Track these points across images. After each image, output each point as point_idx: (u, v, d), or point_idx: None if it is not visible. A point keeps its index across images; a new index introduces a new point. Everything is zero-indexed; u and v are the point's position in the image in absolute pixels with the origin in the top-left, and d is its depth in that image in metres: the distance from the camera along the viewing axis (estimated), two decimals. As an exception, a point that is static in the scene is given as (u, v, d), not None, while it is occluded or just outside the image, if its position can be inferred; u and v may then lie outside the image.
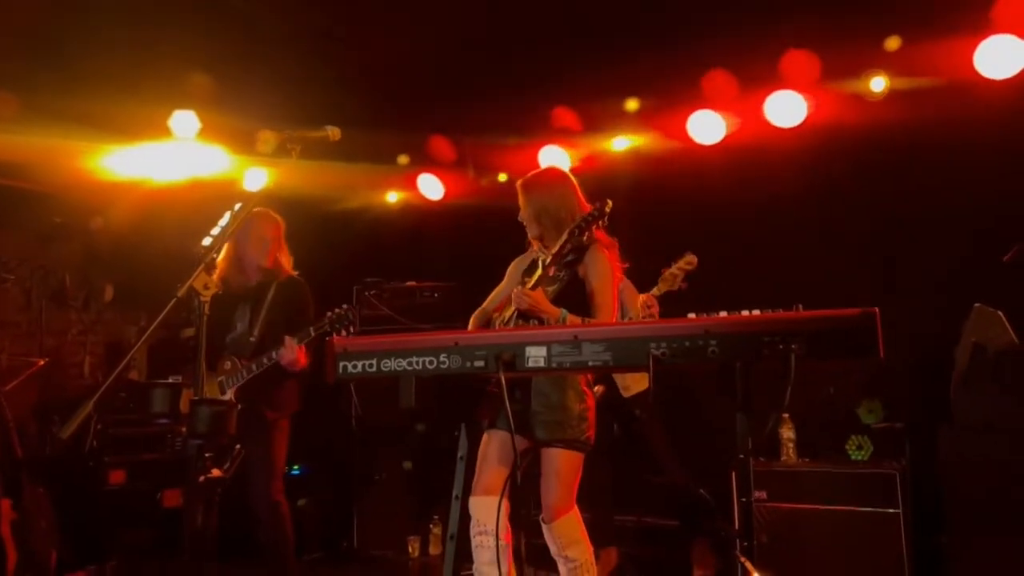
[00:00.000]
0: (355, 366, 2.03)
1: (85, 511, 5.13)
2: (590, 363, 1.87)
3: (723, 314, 1.79)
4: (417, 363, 1.99)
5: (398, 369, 2.00)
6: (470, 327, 3.19)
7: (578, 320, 2.87)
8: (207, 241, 2.43)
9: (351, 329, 3.67)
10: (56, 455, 5.48)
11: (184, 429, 2.25)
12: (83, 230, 6.01)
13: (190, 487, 2.24)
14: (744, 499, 1.78)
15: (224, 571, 4.05)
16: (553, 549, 2.98)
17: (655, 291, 4.19)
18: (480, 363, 1.94)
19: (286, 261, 4.00)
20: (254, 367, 3.73)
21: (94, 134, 4.95)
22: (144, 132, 5.21)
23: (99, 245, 6.14)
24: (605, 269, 3.04)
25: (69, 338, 6.30)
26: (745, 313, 1.78)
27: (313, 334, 3.66)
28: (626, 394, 4.39)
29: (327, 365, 2.06)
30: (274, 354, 3.66)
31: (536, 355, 1.92)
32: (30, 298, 6.12)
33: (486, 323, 3.21)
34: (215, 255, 2.34)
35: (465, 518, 2.13)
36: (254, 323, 3.86)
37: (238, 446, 2.42)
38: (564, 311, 2.87)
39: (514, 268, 3.31)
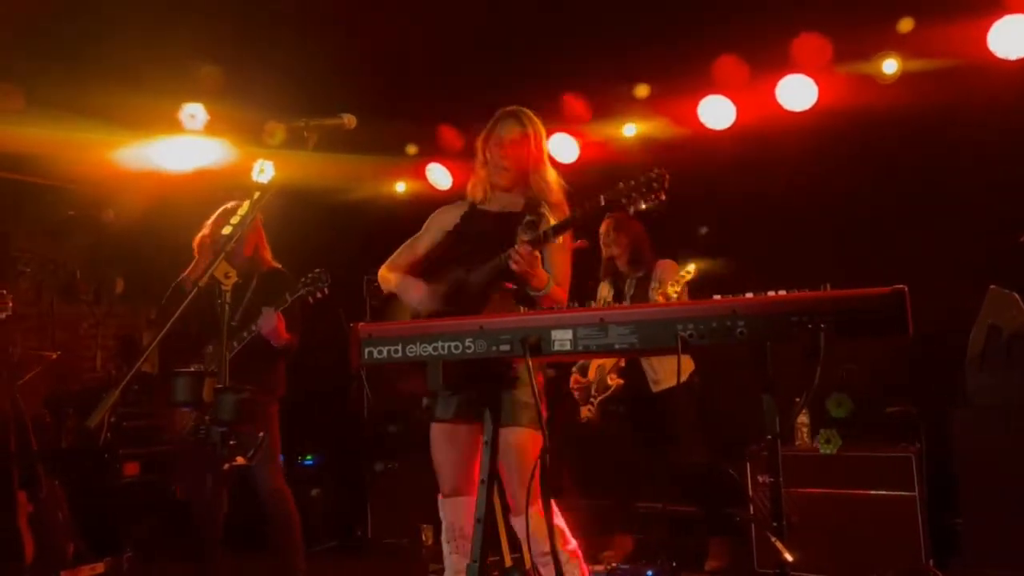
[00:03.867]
0: (380, 351, 2.02)
1: (100, 503, 5.16)
2: (616, 346, 1.86)
3: (749, 295, 1.78)
4: (443, 348, 1.98)
5: (424, 354, 1.99)
6: (386, 275, 2.92)
7: (557, 290, 2.71)
8: (227, 230, 2.43)
9: (325, 291, 3.69)
10: (71, 448, 5.50)
11: (208, 417, 2.23)
12: (94, 223, 6.02)
13: (214, 474, 2.25)
14: (774, 479, 1.78)
15: (235, 560, 4.09)
16: (532, 548, 2.66)
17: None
18: (506, 347, 1.94)
19: (266, 253, 4.01)
20: (235, 344, 3.72)
21: (104, 127, 4.94)
22: (153, 124, 5.21)
23: (109, 238, 6.14)
24: (566, 239, 2.83)
25: (80, 331, 6.32)
26: (772, 293, 1.77)
27: (289, 299, 3.68)
28: (655, 388, 4.40)
29: (351, 351, 2.06)
30: (254, 326, 3.67)
31: (562, 339, 1.91)
32: (41, 292, 6.13)
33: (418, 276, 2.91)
34: (236, 245, 2.33)
35: (489, 502, 2.11)
36: (235, 310, 3.86)
37: (261, 434, 2.44)
38: (551, 279, 2.70)
39: (437, 221, 3.01)
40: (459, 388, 2.15)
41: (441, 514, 2.84)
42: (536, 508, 2.55)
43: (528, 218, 2.69)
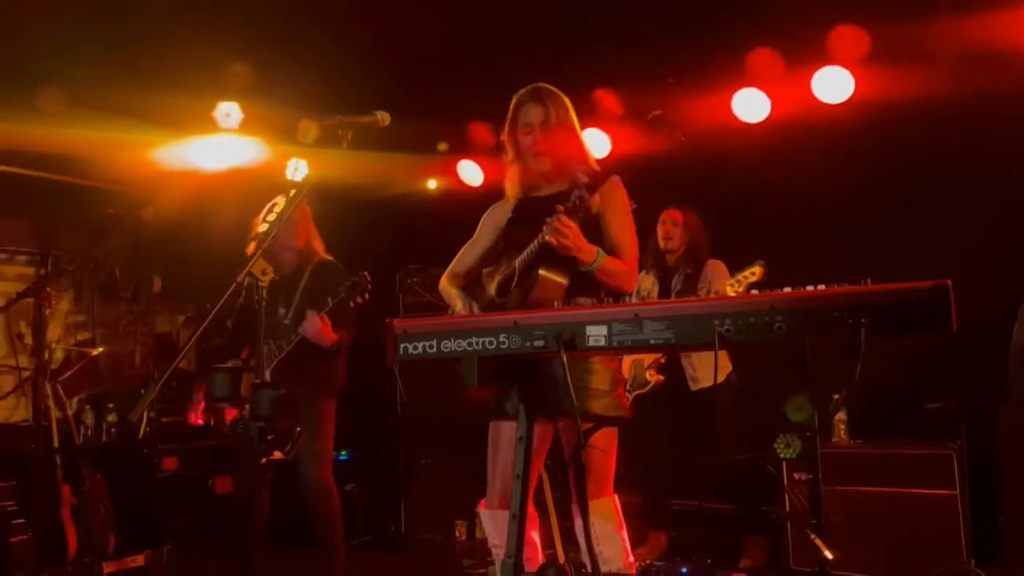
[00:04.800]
0: (415, 347, 2.03)
1: (140, 497, 5.25)
2: (652, 341, 1.85)
3: (787, 289, 1.76)
4: (477, 343, 1.98)
5: (458, 350, 2.00)
6: (445, 287, 2.85)
7: (613, 262, 2.55)
8: (263, 227, 2.45)
9: (366, 296, 3.68)
10: (112, 443, 5.62)
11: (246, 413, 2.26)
12: (134, 222, 6.13)
13: (253, 469, 2.28)
14: (812, 477, 1.76)
15: (275, 555, 4.13)
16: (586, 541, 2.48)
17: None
18: (540, 342, 1.93)
19: (318, 244, 4.03)
20: (284, 345, 3.76)
21: (142, 127, 5.02)
22: (190, 124, 5.28)
23: (148, 237, 6.25)
24: (625, 203, 2.68)
25: (120, 329, 6.43)
26: (811, 288, 1.75)
27: (331, 303, 3.67)
28: (694, 387, 4.37)
29: (387, 347, 2.07)
30: (300, 329, 3.70)
31: (596, 334, 1.91)
32: (82, 290, 6.26)
33: (471, 283, 2.84)
34: (275, 240, 2.36)
35: (523, 498, 2.10)
36: (289, 306, 3.90)
37: (298, 429, 2.47)
38: (600, 251, 2.53)
39: (491, 219, 2.90)
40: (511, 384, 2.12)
41: (486, 527, 2.69)
42: (603, 501, 2.52)
43: (576, 192, 2.51)
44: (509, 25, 4.68)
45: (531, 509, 2.60)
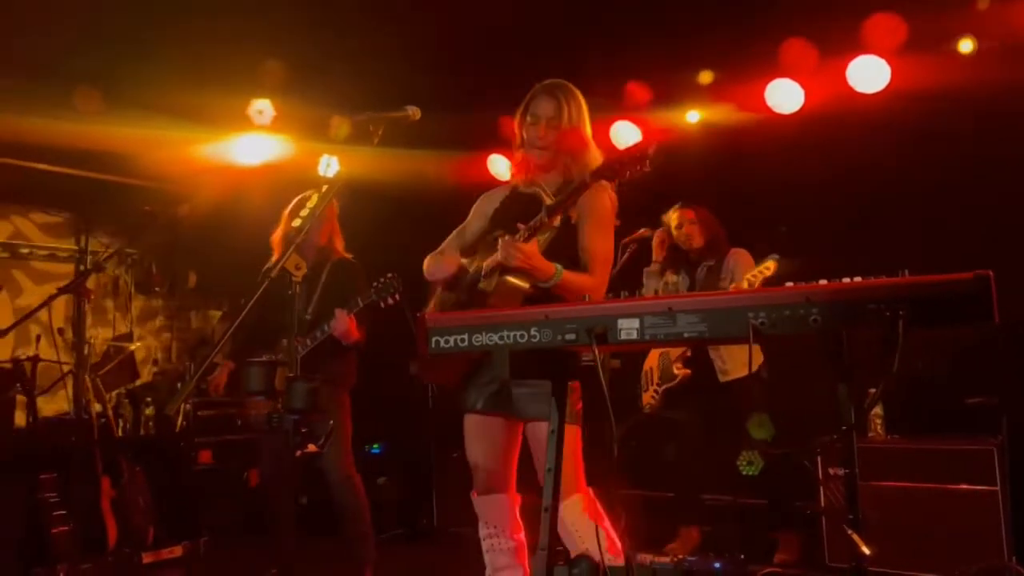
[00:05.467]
0: (447, 341, 2.03)
1: (177, 489, 5.34)
2: (685, 335, 1.83)
3: (823, 282, 1.73)
4: (508, 337, 1.98)
5: (489, 343, 1.99)
6: (427, 267, 2.86)
7: (575, 278, 2.54)
8: (297, 223, 2.47)
9: (396, 297, 3.73)
10: (149, 436, 5.71)
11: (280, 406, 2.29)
12: (170, 219, 6.22)
13: (287, 462, 2.30)
14: (849, 471, 1.73)
15: (306, 546, 4.18)
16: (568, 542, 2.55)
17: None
18: (571, 336, 1.92)
19: (339, 243, 4.09)
20: (309, 342, 3.81)
21: (177, 125, 5.09)
22: (224, 121, 5.35)
23: (183, 233, 6.34)
24: (603, 211, 2.63)
25: (156, 324, 6.54)
26: (847, 280, 1.72)
27: (361, 304, 3.75)
28: (723, 378, 4.33)
29: (418, 340, 2.08)
30: (327, 327, 3.75)
31: (628, 327, 1.89)
32: (118, 286, 6.37)
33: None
34: (307, 236, 2.38)
35: (556, 491, 2.10)
36: (309, 302, 3.94)
37: (331, 422, 2.49)
38: (559, 269, 2.51)
39: (482, 206, 2.92)
40: (526, 377, 2.13)
41: (477, 511, 2.79)
42: (571, 500, 2.51)
43: (547, 203, 2.55)
44: (540, 18, 4.67)
45: (514, 493, 2.76)
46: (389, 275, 3.77)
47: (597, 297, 2.62)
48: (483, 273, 2.68)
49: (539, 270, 2.50)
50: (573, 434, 2.56)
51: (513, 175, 2.89)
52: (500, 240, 2.50)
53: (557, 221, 2.53)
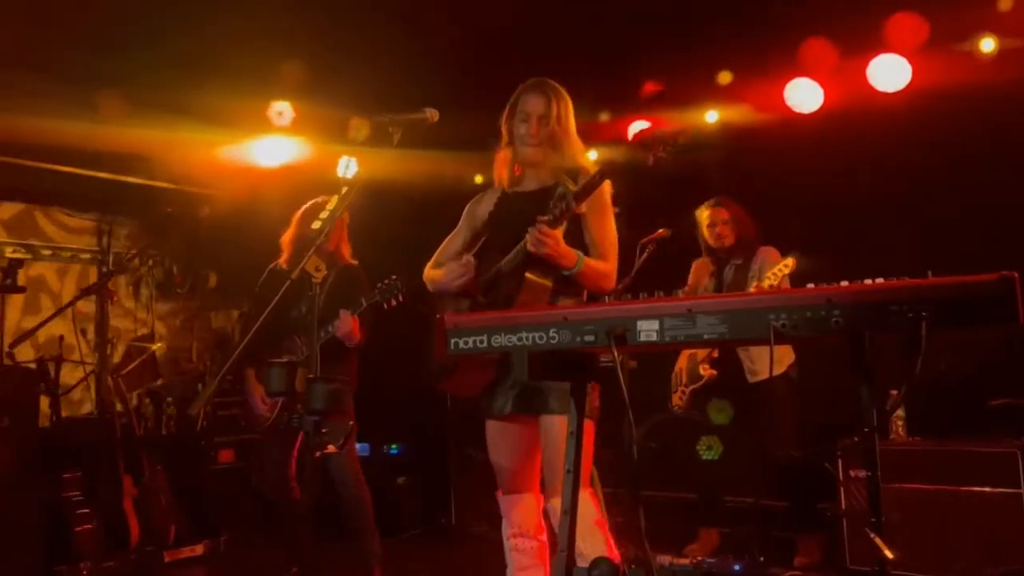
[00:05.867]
0: (466, 342, 2.04)
1: (198, 488, 5.39)
2: (705, 336, 1.82)
3: (844, 283, 1.72)
4: (527, 338, 1.97)
5: (508, 344, 1.99)
6: (430, 273, 2.87)
7: (595, 264, 2.62)
8: (317, 225, 2.49)
9: (400, 298, 3.75)
10: (171, 435, 5.76)
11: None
12: (191, 220, 6.28)
13: (307, 462, 2.32)
14: (871, 474, 1.72)
15: (321, 546, 4.20)
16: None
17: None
18: (590, 338, 1.92)
19: (346, 249, 4.13)
20: (312, 342, 3.82)
21: (199, 127, 5.14)
22: (244, 123, 5.39)
23: (204, 234, 6.39)
24: (606, 200, 2.70)
25: (177, 324, 6.60)
26: (868, 281, 1.70)
27: (364, 304, 3.78)
28: (752, 379, 4.31)
29: (436, 342, 2.08)
30: (330, 327, 3.78)
31: (648, 329, 1.88)
32: (140, 287, 6.44)
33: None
34: (325, 239, 2.39)
35: (575, 493, 2.09)
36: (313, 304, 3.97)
37: (352, 422, 2.51)
38: (581, 256, 2.59)
39: (472, 212, 2.93)
40: (546, 378, 2.14)
41: (502, 511, 2.81)
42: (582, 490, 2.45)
43: (560, 190, 2.59)
44: (558, 18, 4.67)
45: (538, 494, 2.74)
46: (393, 277, 3.80)
47: (613, 282, 2.71)
48: (504, 271, 2.68)
49: (565, 257, 2.55)
50: (588, 429, 2.55)
51: (497, 176, 2.87)
52: (529, 231, 2.50)
53: (583, 208, 2.55)
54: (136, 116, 4.92)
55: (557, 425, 2.54)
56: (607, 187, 2.68)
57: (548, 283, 2.60)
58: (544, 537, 2.75)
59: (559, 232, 2.53)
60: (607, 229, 2.71)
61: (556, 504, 2.49)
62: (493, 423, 2.78)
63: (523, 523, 2.73)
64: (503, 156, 2.84)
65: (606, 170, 2.52)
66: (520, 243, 2.58)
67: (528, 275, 2.58)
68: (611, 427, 2.80)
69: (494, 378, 2.70)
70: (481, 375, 2.70)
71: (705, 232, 4.52)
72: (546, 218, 2.51)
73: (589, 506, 2.57)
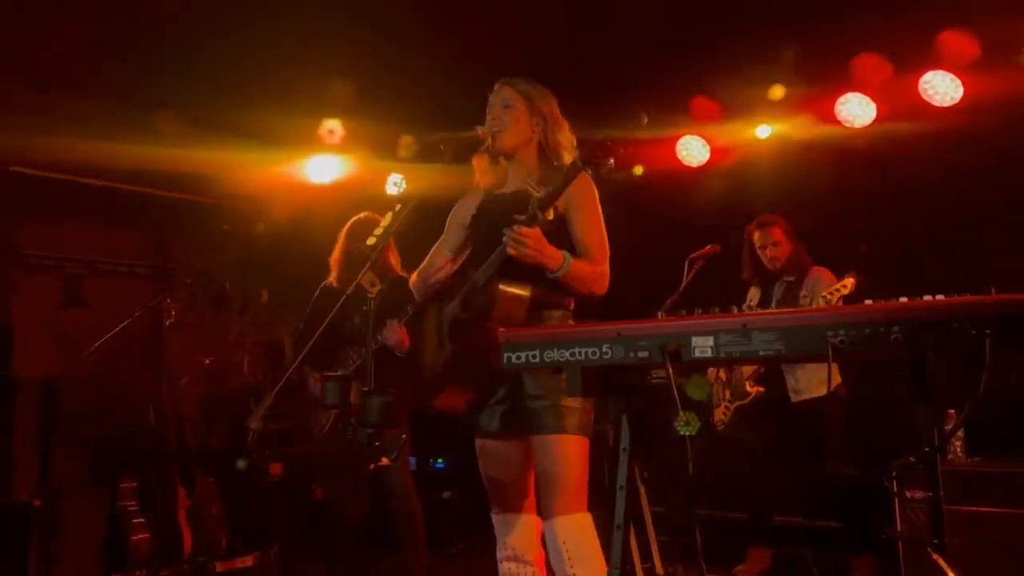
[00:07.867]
0: (519, 357, 2.04)
1: (248, 500, 5.47)
2: (761, 352, 1.81)
3: (904, 299, 1.69)
4: (580, 353, 1.98)
5: (561, 360, 2.00)
6: (416, 281, 2.80)
7: (583, 266, 2.48)
8: (371, 241, 2.53)
9: None
10: (222, 447, 5.86)
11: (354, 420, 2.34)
12: (246, 237, 6.41)
13: (362, 474, 2.35)
14: (933, 495, 1.69)
15: (370, 559, 4.23)
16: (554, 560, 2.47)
17: None
18: (644, 353, 1.92)
19: (395, 261, 4.14)
20: (363, 351, 3.86)
21: (253, 145, 5.26)
22: (297, 141, 5.50)
23: (257, 251, 6.52)
24: (592, 199, 2.56)
25: (230, 339, 6.72)
26: (928, 298, 1.67)
27: (411, 312, 3.77)
28: (795, 398, 4.25)
29: (491, 356, 2.10)
30: (379, 337, 3.80)
31: (703, 345, 1.88)
32: (195, 302, 6.57)
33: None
34: (380, 255, 2.43)
35: (627, 509, 2.07)
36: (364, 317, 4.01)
37: (404, 435, 2.54)
38: (567, 256, 2.43)
39: (456, 216, 2.81)
40: (595, 394, 2.13)
41: (496, 532, 2.70)
42: (576, 518, 2.44)
43: (536, 194, 2.40)
44: (608, 32, 4.67)
45: (534, 515, 2.61)
46: None
47: (605, 285, 2.58)
48: (478, 284, 2.54)
49: (550, 257, 2.40)
50: (583, 447, 2.50)
51: (479, 178, 2.78)
52: (506, 232, 2.36)
53: (551, 214, 2.39)
54: (193, 136, 5.05)
55: (551, 444, 2.46)
56: (592, 186, 2.57)
57: (525, 293, 2.45)
58: (541, 560, 2.63)
59: (537, 231, 2.36)
60: (592, 230, 2.56)
61: (552, 525, 2.46)
62: (482, 441, 2.67)
63: (517, 546, 2.62)
64: (480, 160, 2.74)
65: (581, 165, 2.39)
66: (497, 250, 2.44)
67: (501, 287, 2.43)
68: (658, 444, 2.78)
69: (480, 396, 2.62)
70: (466, 393, 2.63)
71: (758, 252, 4.47)
72: (523, 217, 2.36)
73: (588, 531, 2.47)
